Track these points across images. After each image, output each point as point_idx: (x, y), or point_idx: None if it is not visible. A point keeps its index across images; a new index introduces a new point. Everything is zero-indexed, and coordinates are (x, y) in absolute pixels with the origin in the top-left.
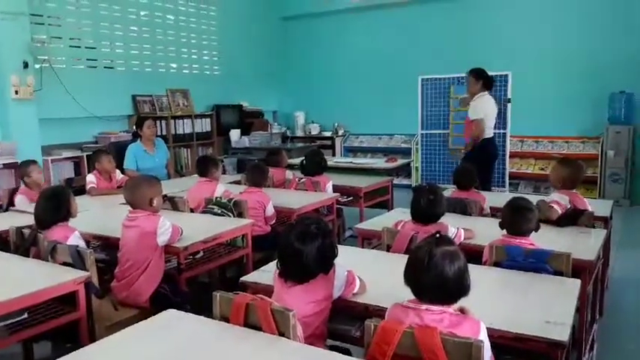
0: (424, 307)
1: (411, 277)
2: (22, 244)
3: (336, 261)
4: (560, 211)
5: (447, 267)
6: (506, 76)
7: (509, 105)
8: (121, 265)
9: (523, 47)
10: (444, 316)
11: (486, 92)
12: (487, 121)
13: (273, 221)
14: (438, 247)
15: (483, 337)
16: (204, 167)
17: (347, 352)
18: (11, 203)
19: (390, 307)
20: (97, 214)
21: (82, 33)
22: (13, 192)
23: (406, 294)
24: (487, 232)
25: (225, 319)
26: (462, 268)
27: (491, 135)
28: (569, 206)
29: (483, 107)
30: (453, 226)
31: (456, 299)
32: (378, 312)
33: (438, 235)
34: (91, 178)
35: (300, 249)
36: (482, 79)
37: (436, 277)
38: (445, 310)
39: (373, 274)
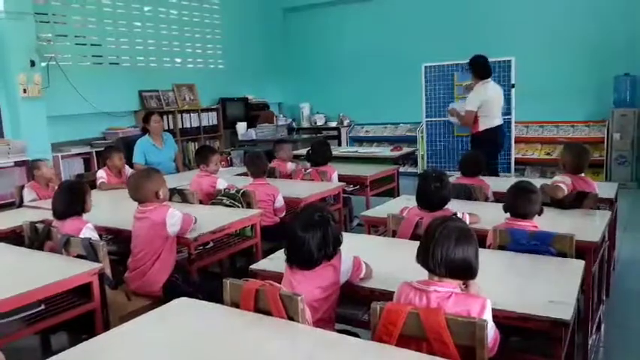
0: (432, 288)
1: (424, 248)
2: (36, 239)
3: (342, 248)
4: (566, 190)
5: (458, 241)
6: (509, 61)
7: (513, 90)
8: (134, 256)
9: (526, 32)
10: (451, 295)
11: (481, 82)
12: (485, 111)
13: (283, 213)
14: (452, 222)
15: (488, 314)
16: (203, 156)
17: (356, 336)
18: (23, 199)
19: (399, 286)
20: (108, 207)
21: (86, 30)
22: (23, 188)
23: (411, 278)
24: (491, 216)
25: (236, 306)
26: (472, 245)
27: (495, 125)
28: (567, 190)
29: (478, 97)
30: (458, 211)
31: (463, 276)
32: (384, 295)
33: (454, 216)
34: (101, 174)
35: (304, 237)
36: (473, 71)
37: (447, 248)
38: (452, 290)
39: (379, 260)
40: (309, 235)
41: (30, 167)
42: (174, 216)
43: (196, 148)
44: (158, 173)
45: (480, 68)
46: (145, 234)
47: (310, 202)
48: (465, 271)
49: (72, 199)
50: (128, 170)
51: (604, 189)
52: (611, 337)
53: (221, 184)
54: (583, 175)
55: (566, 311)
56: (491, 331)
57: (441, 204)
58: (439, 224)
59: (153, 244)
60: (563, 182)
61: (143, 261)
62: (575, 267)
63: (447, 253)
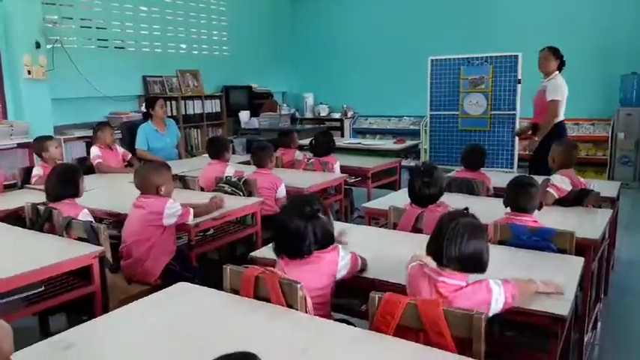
0: (441, 278)
1: (435, 244)
2: (37, 220)
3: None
4: (556, 196)
5: (470, 237)
6: (516, 56)
7: (519, 86)
8: (124, 243)
9: (534, 28)
10: (457, 289)
11: (559, 72)
12: (564, 104)
13: None
14: (464, 218)
15: (496, 287)
16: (216, 150)
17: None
18: (25, 181)
19: (413, 264)
20: (109, 191)
21: (92, 13)
22: (27, 170)
23: None
24: (492, 211)
25: (235, 292)
26: (483, 240)
27: (563, 118)
28: (569, 188)
29: (563, 88)
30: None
31: (473, 270)
32: (384, 286)
33: (465, 211)
34: (96, 152)
35: (292, 229)
36: (559, 59)
37: (459, 245)
38: (459, 283)
39: (379, 251)
40: (298, 227)
41: (37, 147)
42: (172, 207)
43: (199, 134)
44: (168, 170)
45: (563, 59)
46: (138, 222)
47: (312, 193)
48: (476, 266)
49: (67, 181)
50: (120, 148)
51: (606, 188)
52: (607, 335)
53: (229, 169)
54: (571, 170)
55: (563, 307)
56: (502, 296)
57: (431, 199)
58: (451, 220)
59: (142, 233)
60: (559, 185)
61: (133, 249)
62: (575, 264)
63: (459, 250)
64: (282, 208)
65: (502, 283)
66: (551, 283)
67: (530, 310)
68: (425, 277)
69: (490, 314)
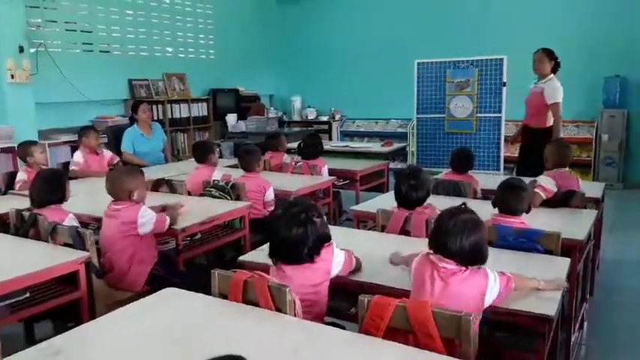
0: (442, 264)
1: (436, 240)
2: (22, 226)
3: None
4: (544, 197)
5: (469, 233)
6: (501, 59)
7: (504, 89)
8: (102, 255)
9: (519, 31)
10: (456, 272)
11: (554, 75)
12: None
13: (272, 207)
14: (463, 214)
15: (493, 278)
16: (202, 154)
17: (342, 328)
18: (10, 186)
19: (419, 254)
20: (94, 196)
21: (77, 17)
22: (11, 175)
23: (400, 273)
24: (479, 213)
25: (224, 297)
26: (481, 234)
27: None
28: (555, 190)
29: (561, 90)
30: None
31: (473, 262)
32: (373, 289)
33: (463, 206)
34: (77, 158)
35: (288, 236)
36: (554, 60)
37: (459, 241)
38: (460, 268)
39: (368, 254)
40: (293, 234)
41: (21, 152)
42: (145, 215)
43: (185, 138)
44: (141, 175)
45: (557, 62)
46: (113, 233)
47: (300, 196)
48: (476, 258)
49: (52, 187)
50: (107, 153)
51: (591, 189)
52: (593, 335)
53: (217, 173)
54: (567, 169)
55: (550, 307)
56: (497, 286)
57: (418, 202)
58: (451, 216)
59: (121, 244)
60: (545, 186)
61: (115, 260)
62: (561, 264)
63: (460, 244)
64: (277, 215)
65: (498, 274)
66: (553, 281)
67: (518, 310)
68: (428, 264)
69: (485, 305)
